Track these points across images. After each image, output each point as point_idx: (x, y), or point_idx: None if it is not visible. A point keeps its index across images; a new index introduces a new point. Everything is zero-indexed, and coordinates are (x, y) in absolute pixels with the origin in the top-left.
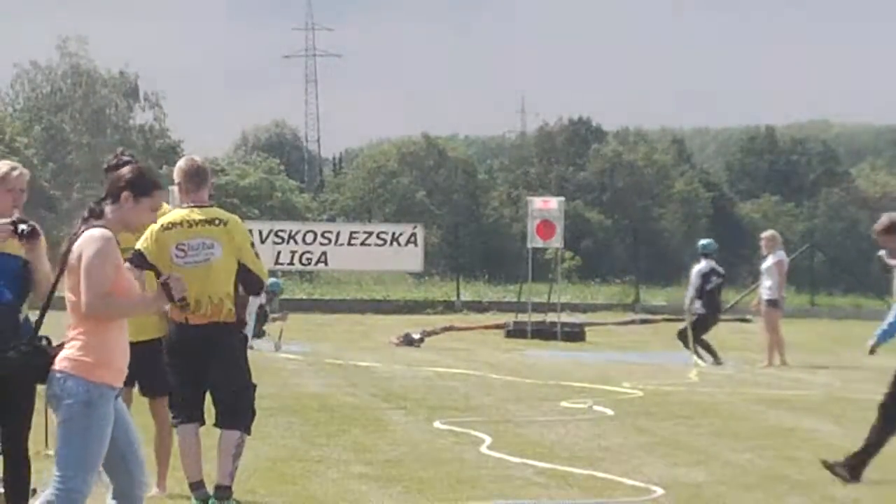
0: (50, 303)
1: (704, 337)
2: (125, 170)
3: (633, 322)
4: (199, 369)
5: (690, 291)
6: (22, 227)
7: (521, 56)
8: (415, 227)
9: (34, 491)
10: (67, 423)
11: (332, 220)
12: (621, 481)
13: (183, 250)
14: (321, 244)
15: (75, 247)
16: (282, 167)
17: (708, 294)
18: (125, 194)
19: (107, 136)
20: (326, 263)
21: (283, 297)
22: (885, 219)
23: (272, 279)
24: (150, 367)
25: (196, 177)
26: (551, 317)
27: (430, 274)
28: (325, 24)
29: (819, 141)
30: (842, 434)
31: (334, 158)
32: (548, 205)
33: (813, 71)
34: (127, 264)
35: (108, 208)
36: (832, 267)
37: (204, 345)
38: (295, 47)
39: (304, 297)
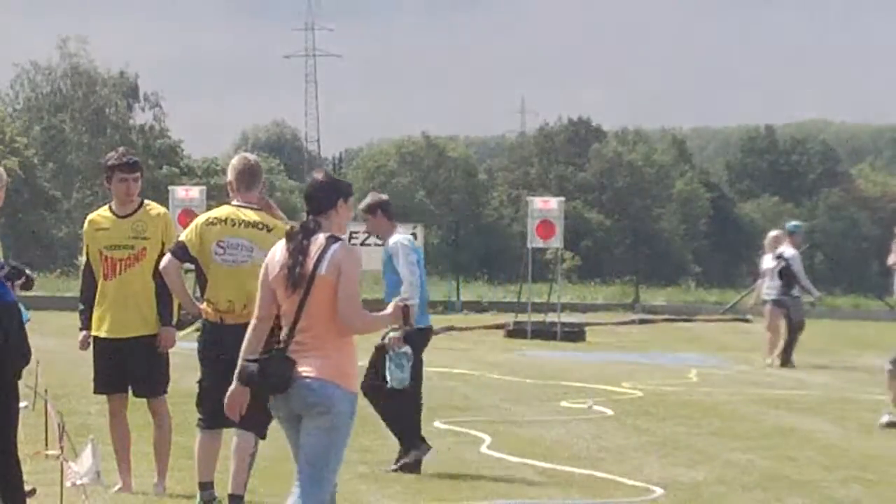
0: (300, 317)
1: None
2: (321, 179)
3: (633, 322)
4: (231, 372)
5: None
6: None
7: (521, 56)
8: (415, 227)
9: (34, 491)
10: (334, 431)
11: None
12: (621, 481)
13: (223, 247)
14: None
15: (328, 260)
16: (282, 167)
17: (779, 276)
18: (340, 201)
19: (107, 136)
20: None
21: None
22: (368, 198)
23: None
24: (143, 367)
25: (248, 175)
26: (551, 317)
27: (430, 274)
28: (325, 24)
29: (819, 141)
30: (841, 434)
31: (334, 158)
32: (548, 205)
33: (813, 71)
34: (169, 255)
35: (323, 220)
36: (832, 267)
37: (237, 346)
38: (295, 47)
39: None
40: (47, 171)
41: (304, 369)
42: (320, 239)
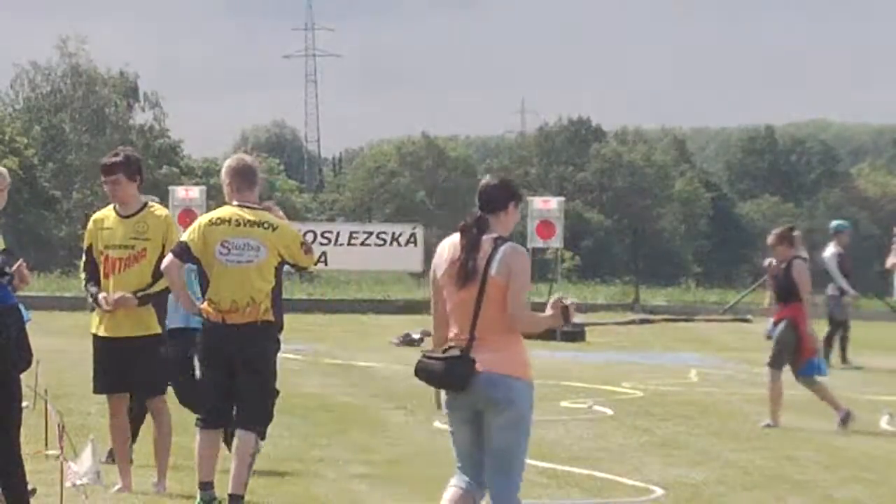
0: (478, 315)
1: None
2: (495, 182)
3: (633, 322)
4: (231, 373)
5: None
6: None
7: (521, 56)
8: (415, 227)
9: (34, 491)
10: (520, 424)
11: (331, 220)
12: (621, 481)
13: (227, 248)
14: (321, 244)
15: (498, 260)
16: (282, 167)
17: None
18: (511, 204)
19: (107, 136)
20: (326, 263)
21: (283, 297)
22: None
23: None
24: (142, 367)
25: (246, 175)
26: None
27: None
28: (325, 24)
29: (819, 141)
30: (841, 434)
31: (334, 158)
32: (548, 205)
33: (813, 71)
34: (171, 255)
35: (492, 220)
36: None
37: (239, 345)
38: (295, 47)
39: (304, 297)
40: (47, 171)
41: (484, 364)
42: (490, 239)
